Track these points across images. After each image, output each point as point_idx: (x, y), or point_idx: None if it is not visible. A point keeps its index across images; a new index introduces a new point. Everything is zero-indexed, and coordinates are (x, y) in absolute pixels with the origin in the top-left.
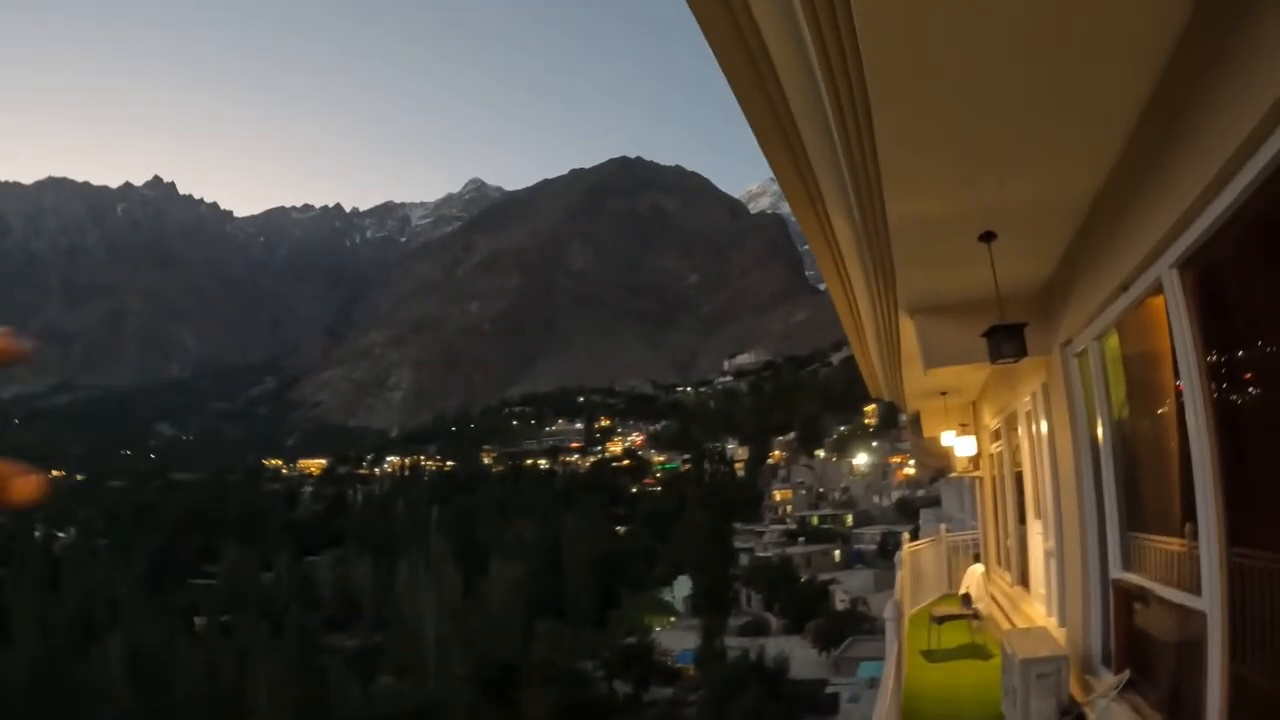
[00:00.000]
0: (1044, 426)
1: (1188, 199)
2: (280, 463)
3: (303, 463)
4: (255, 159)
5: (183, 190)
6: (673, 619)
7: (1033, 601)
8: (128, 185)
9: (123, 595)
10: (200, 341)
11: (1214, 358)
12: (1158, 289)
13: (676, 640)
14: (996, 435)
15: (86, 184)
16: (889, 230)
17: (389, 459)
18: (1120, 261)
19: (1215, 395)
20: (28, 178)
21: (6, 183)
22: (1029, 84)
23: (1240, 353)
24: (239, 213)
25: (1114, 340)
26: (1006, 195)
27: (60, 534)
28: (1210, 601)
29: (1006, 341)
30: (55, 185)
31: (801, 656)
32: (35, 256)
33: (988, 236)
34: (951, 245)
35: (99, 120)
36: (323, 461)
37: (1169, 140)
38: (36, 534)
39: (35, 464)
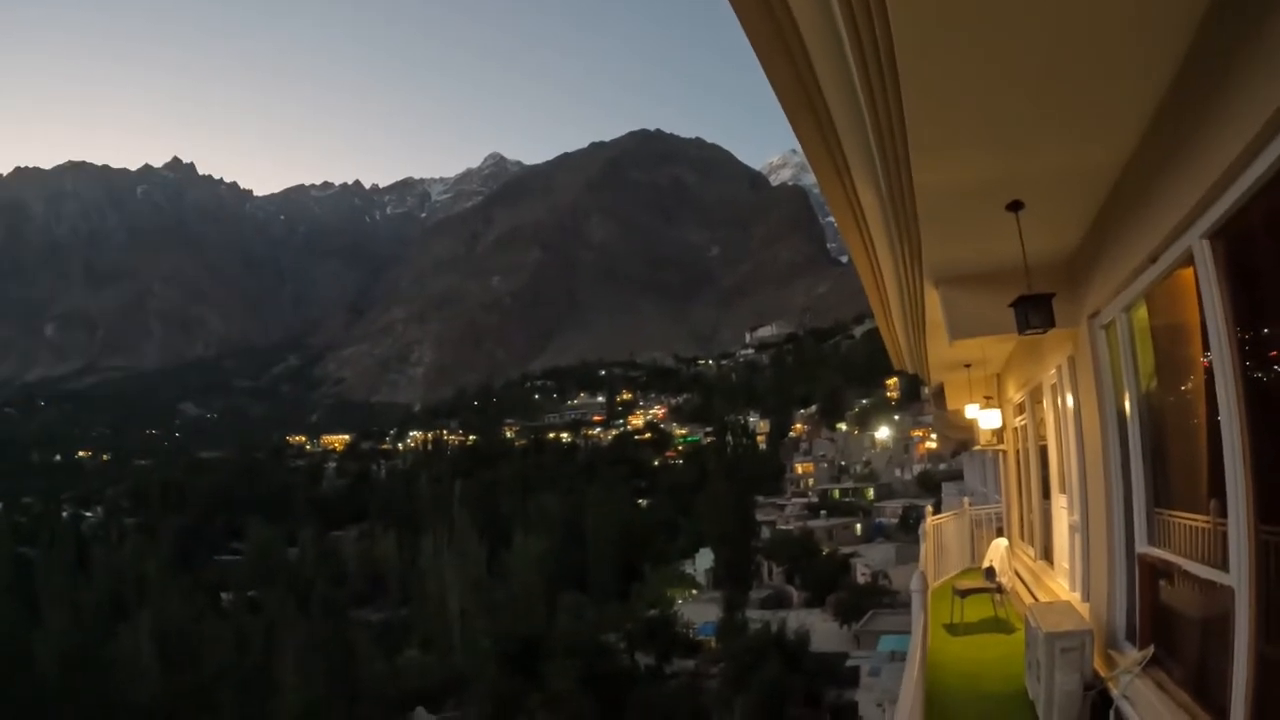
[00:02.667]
0: (1070, 400)
1: (1220, 167)
2: (304, 439)
3: (326, 439)
4: (274, 138)
5: (202, 171)
6: (694, 591)
7: (1056, 576)
8: (147, 167)
9: (150, 573)
10: (223, 321)
11: (1245, 331)
12: (1188, 260)
13: (698, 613)
14: (1021, 408)
15: (106, 167)
16: (915, 199)
17: (412, 434)
18: (1150, 231)
19: (1246, 369)
20: (47, 163)
21: (26, 168)
22: (1059, 49)
23: (1272, 326)
24: (258, 192)
25: (1142, 312)
26: (1035, 163)
27: (88, 514)
28: (1238, 577)
29: (1034, 312)
30: (75, 169)
31: (822, 629)
32: (57, 241)
33: (1015, 205)
34: (978, 214)
35: (117, 103)
36: (346, 437)
37: (1201, 106)
38: (64, 514)
39: (61, 445)
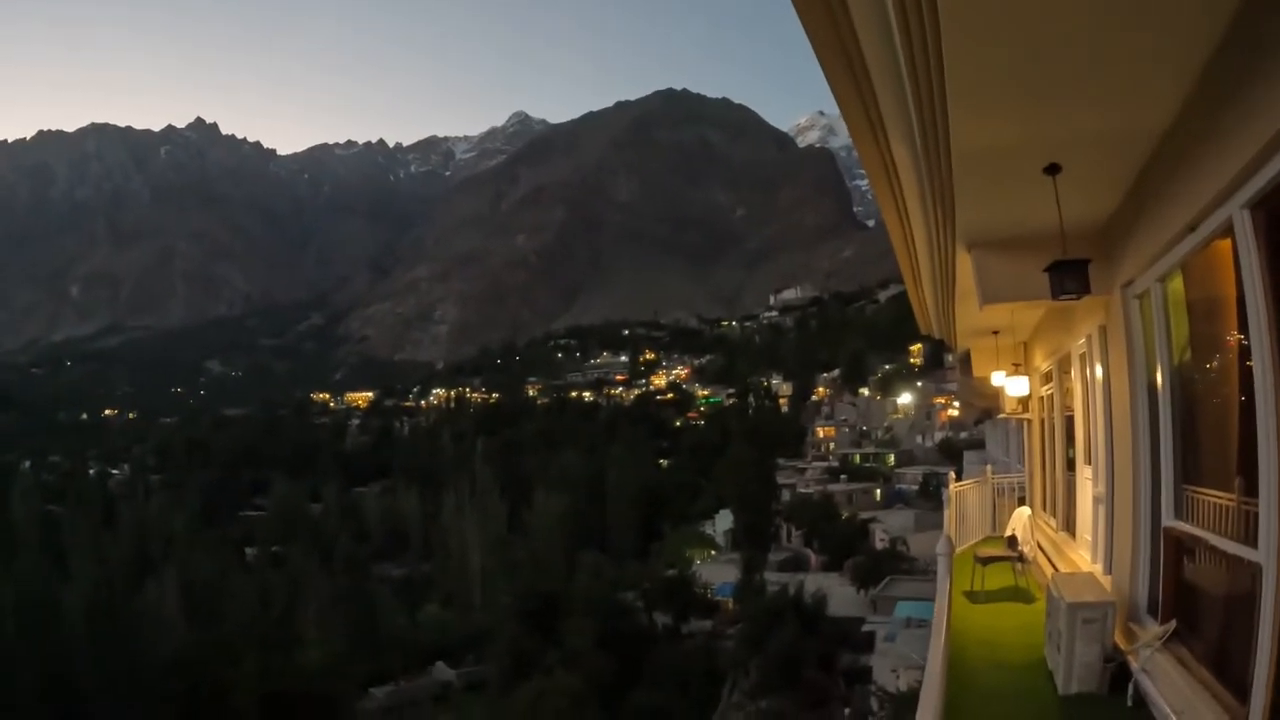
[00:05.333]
0: (1099, 370)
1: (1264, 136)
2: (328, 397)
3: (350, 396)
4: (297, 97)
5: (225, 130)
6: (713, 552)
7: (1078, 548)
8: (170, 128)
9: (176, 529)
10: (247, 280)
11: None
12: (1227, 230)
13: (716, 574)
14: (1047, 378)
15: (129, 129)
16: (952, 159)
17: (435, 392)
18: (1189, 200)
19: None
20: (70, 126)
21: (50, 131)
22: (1105, 7)
23: None
24: (282, 151)
25: (1178, 282)
26: (1075, 125)
27: (114, 472)
28: (1267, 554)
29: (1069, 278)
30: (98, 131)
31: (839, 594)
32: (81, 203)
33: (1053, 169)
34: (1015, 177)
35: (139, 64)
36: (370, 395)
37: (1248, 72)
38: (91, 472)
39: (88, 404)
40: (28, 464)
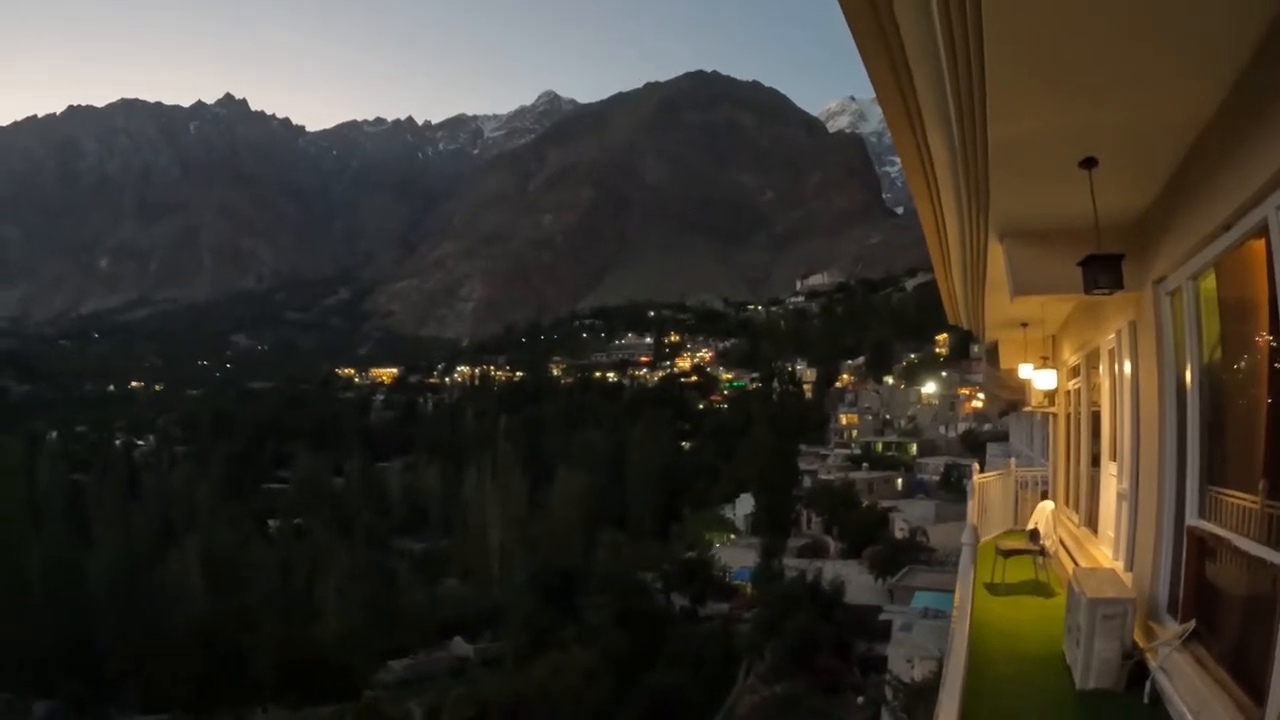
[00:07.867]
0: (1128, 366)
1: None
2: (353, 372)
3: (375, 372)
4: (327, 74)
5: (254, 107)
6: (733, 536)
7: (1099, 544)
8: (199, 104)
9: (200, 500)
10: (274, 254)
11: None
12: (1262, 230)
13: (735, 557)
14: (1075, 372)
15: (159, 104)
16: (989, 150)
17: (459, 369)
18: (1224, 198)
19: None
20: (100, 101)
21: (80, 106)
22: (1148, 2)
23: None
24: (311, 127)
25: (1211, 281)
26: (1113, 120)
27: (140, 442)
28: None
29: (1103, 273)
30: (127, 107)
31: (857, 582)
32: (110, 178)
33: (1089, 163)
34: (1050, 169)
35: (170, 40)
36: (394, 370)
37: None
38: (117, 443)
39: (115, 376)
40: (55, 434)
